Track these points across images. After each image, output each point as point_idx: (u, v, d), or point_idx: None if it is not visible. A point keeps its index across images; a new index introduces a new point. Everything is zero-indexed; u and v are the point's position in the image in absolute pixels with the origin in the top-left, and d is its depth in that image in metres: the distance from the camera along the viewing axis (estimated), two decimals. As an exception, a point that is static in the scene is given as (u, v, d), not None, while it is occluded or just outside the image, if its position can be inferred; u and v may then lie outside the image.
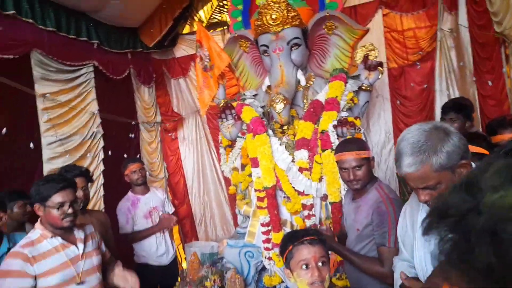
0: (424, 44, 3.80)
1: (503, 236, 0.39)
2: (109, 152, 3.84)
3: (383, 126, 4.15)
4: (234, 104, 3.00)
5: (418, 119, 3.78)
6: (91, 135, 3.66)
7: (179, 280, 3.16)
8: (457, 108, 2.68)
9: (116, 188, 3.47)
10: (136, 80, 4.49)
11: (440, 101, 3.77)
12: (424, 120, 3.73)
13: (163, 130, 4.94)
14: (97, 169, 3.69)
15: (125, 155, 4.12)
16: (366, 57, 2.78)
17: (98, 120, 3.76)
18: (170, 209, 3.52)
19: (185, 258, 4.39)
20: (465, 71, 3.66)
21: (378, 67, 2.78)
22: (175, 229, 4.58)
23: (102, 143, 3.79)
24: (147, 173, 4.06)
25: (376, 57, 2.79)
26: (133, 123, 4.42)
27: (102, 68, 3.84)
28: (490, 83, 3.20)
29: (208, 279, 2.79)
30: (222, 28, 4.66)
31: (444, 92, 3.80)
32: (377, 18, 3.95)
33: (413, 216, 1.43)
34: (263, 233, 2.81)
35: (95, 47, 3.76)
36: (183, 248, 4.59)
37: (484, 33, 3.26)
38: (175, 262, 3.46)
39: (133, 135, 4.39)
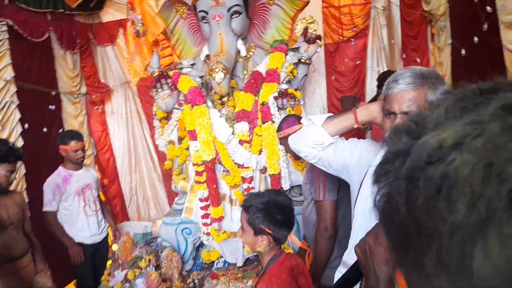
0: (359, 21, 3.93)
1: (419, 184, 0.31)
2: (26, 125, 3.43)
3: (319, 101, 4.25)
4: (170, 73, 2.81)
5: (350, 94, 3.92)
6: (4, 105, 3.20)
7: (109, 262, 2.97)
8: None
9: (39, 164, 3.11)
10: (58, 44, 4.00)
11: (371, 77, 3.95)
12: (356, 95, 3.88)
13: (89, 102, 4.50)
14: (16, 143, 3.25)
15: (45, 129, 3.69)
16: (305, 30, 2.79)
17: (13, 89, 3.31)
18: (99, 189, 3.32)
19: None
20: (394, 48, 3.87)
21: (317, 40, 2.79)
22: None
23: (18, 115, 3.36)
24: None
25: (315, 30, 2.81)
26: (53, 93, 3.95)
27: (18, 27, 3.36)
28: (418, 60, 3.40)
29: (143, 259, 2.65)
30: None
31: (375, 68, 3.99)
32: (315, -8, 3.96)
33: (368, 156, 1.38)
34: (202, 208, 2.73)
35: (6, 3, 3.26)
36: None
37: (413, 11, 3.43)
38: (105, 241, 3.25)
39: (53, 107, 3.93)
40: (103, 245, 3.21)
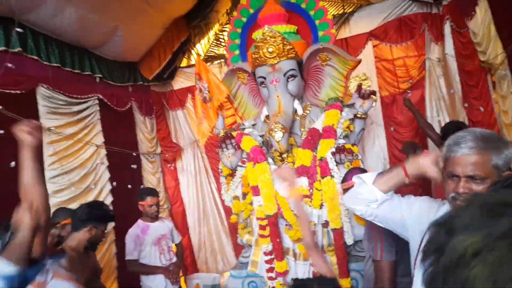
0: (414, 73, 3.97)
1: (450, 279, 0.43)
2: (113, 183, 3.89)
3: (379, 152, 4.24)
4: (234, 134, 3.07)
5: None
6: (96, 166, 3.71)
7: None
8: (459, 130, 2.76)
9: (125, 217, 3.49)
10: (138, 112, 4.60)
11: (431, 126, 3.88)
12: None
13: (163, 161, 4.98)
14: (106, 200, 3.74)
15: (129, 186, 4.16)
16: (359, 86, 2.89)
17: (103, 152, 3.84)
18: (178, 237, 3.59)
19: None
20: (454, 98, 3.81)
21: (372, 95, 2.87)
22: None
23: (108, 174, 3.85)
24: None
25: (369, 86, 2.90)
26: (134, 154, 4.47)
27: (107, 100, 3.96)
28: (481, 108, 3.33)
29: (212, 310, 2.76)
30: (219, 61, 4.83)
31: (435, 118, 3.92)
32: (367, 49, 4.13)
33: (428, 214, 1.36)
34: (266, 262, 2.80)
35: (98, 81, 3.89)
36: (185, 281, 4.52)
37: (470, 61, 3.41)
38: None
39: (135, 166, 4.44)
40: None
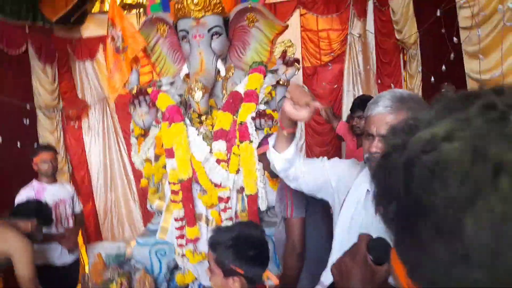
0: (336, 46, 4.09)
1: (415, 170, 0.36)
2: (-1, 139, 3.34)
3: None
4: (149, 90, 2.81)
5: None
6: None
7: (79, 286, 2.87)
8: (364, 105, 2.89)
9: (10, 179, 3.02)
10: (36, 58, 3.95)
11: (347, 99, 4.07)
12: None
13: (65, 117, 4.43)
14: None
15: (18, 143, 3.61)
16: (284, 53, 2.86)
17: (-15, 100, 3.24)
18: (79, 206, 3.25)
19: (88, 262, 4.01)
20: (370, 74, 4.02)
21: (295, 63, 2.87)
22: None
23: (-11, 127, 3.28)
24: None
25: (294, 53, 2.90)
26: (27, 107, 3.87)
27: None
28: (392, 86, 3.54)
29: (114, 282, 2.58)
30: (137, 10, 4.36)
31: (351, 92, 4.12)
32: (295, 17, 4.14)
33: (350, 175, 1.36)
34: (177, 228, 2.68)
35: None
36: (86, 251, 4.18)
37: (387, 39, 3.59)
38: (77, 263, 3.14)
39: (27, 121, 3.85)
40: (75, 266, 3.10)
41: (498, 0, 2.15)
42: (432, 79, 2.86)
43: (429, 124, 0.39)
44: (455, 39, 2.55)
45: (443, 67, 2.67)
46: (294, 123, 1.32)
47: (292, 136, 1.36)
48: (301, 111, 1.22)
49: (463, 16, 2.51)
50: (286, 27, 3.02)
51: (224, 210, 2.66)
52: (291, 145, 1.36)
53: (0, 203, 3.17)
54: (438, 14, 2.67)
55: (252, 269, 1.23)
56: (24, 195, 2.84)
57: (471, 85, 2.49)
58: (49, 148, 3.03)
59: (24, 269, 2.04)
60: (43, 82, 4.08)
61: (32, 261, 2.10)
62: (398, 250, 0.43)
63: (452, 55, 2.58)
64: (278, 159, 1.38)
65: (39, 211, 2.47)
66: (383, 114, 1.14)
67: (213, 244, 1.27)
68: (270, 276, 1.36)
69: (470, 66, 2.51)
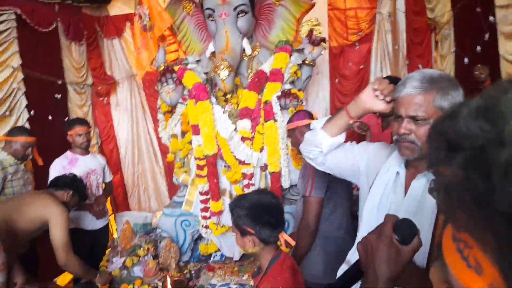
0: (364, 26, 3.96)
1: None
2: (31, 112, 3.49)
3: (321, 103, 4.28)
4: (176, 68, 2.85)
5: (353, 97, 3.96)
6: (12, 91, 3.26)
7: (108, 250, 3.03)
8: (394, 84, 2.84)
9: (43, 152, 3.17)
10: (64, 35, 4.05)
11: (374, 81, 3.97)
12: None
13: (94, 93, 4.56)
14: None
15: (50, 117, 3.76)
16: (311, 32, 2.83)
17: (20, 76, 3.37)
18: (109, 176, 3.38)
19: (116, 229, 4.21)
20: (398, 54, 3.90)
21: (322, 42, 2.83)
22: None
23: (25, 101, 3.43)
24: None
25: (320, 32, 2.86)
26: (59, 82, 4.01)
27: (26, 17, 3.40)
28: (420, 66, 3.44)
29: (142, 248, 2.71)
30: (164, -12, 4.36)
31: (378, 73, 4.02)
32: (322, -5, 4.00)
33: (381, 158, 1.34)
34: (202, 201, 2.77)
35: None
36: (115, 219, 4.39)
37: (418, 18, 3.46)
38: (106, 229, 3.31)
39: (59, 96, 4.00)
40: (104, 232, 3.25)
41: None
42: (466, 60, 2.76)
43: None
44: (491, 18, 2.44)
45: (478, 48, 2.57)
46: (363, 114, 1.33)
47: (350, 124, 1.37)
48: (380, 103, 1.25)
49: (501, -6, 2.40)
50: (313, 5, 2.97)
51: (248, 186, 2.72)
52: (344, 132, 1.39)
53: (35, 175, 3.36)
54: (474, -9, 2.57)
55: (261, 229, 1.37)
56: (58, 164, 2.99)
57: (505, 67, 2.40)
58: (83, 122, 3.14)
59: (58, 232, 2.20)
60: (72, 59, 4.20)
61: (67, 225, 2.26)
62: (501, 257, 0.37)
63: (487, 35, 2.48)
64: (329, 142, 1.38)
65: (74, 182, 2.62)
66: (412, 95, 1.11)
67: (231, 209, 1.45)
68: (286, 237, 1.48)
69: (505, 47, 2.40)
